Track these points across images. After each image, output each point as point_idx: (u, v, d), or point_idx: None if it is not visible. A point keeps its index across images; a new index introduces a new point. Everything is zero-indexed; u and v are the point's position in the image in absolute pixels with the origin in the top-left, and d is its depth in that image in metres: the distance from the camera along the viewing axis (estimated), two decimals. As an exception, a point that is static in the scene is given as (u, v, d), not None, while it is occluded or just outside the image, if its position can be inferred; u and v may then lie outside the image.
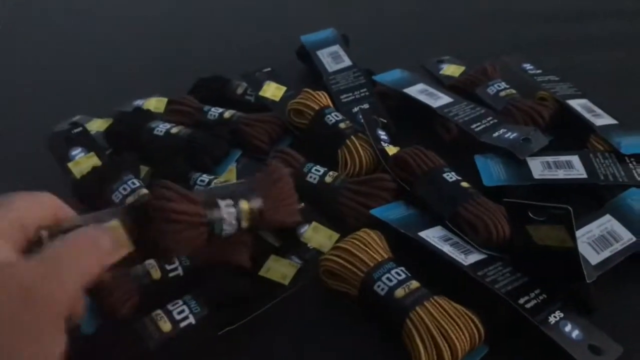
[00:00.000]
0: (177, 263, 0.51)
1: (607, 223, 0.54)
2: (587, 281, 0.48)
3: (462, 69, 0.79)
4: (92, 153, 0.64)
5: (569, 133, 0.67)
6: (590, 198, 0.60)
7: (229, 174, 0.64)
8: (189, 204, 0.43)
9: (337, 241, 0.55)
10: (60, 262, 0.33)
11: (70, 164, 0.63)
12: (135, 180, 0.59)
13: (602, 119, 0.67)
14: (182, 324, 0.47)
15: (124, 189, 0.58)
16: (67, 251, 0.34)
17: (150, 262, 0.51)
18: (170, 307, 0.48)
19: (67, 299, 0.33)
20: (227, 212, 0.46)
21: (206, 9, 1.04)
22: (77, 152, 0.65)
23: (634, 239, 0.53)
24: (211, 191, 0.49)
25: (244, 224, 0.46)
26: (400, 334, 0.47)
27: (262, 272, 0.52)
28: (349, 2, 1.04)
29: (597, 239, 0.53)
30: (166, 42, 0.94)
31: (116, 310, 0.49)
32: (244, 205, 0.46)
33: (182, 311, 0.48)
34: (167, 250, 0.42)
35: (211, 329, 0.49)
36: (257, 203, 0.46)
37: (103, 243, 0.36)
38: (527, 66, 0.77)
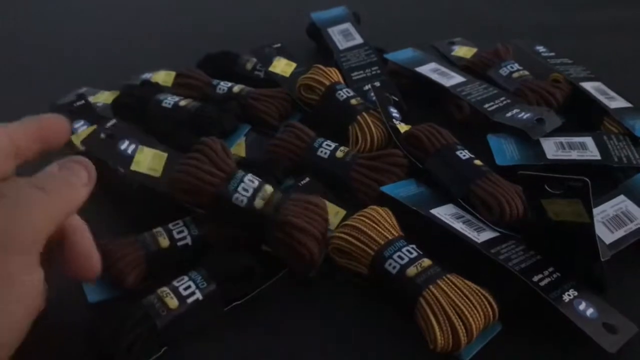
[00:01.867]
0: (186, 232, 0.50)
1: (621, 203, 0.54)
2: (602, 259, 0.48)
3: (473, 50, 0.78)
4: (94, 125, 0.64)
5: (582, 115, 0.67)
6: (603, 180, 0.59)
7: (238, 148, 0.63)
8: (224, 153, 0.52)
9: (343, 218, 0.54)
10: (30, 207, 0.36)
11: (73, 137, 0.63)
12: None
13: (616, 102, 0.66)
14: (189, 300, 0.46)
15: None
16: (37, 195, 0.36)
17: (159, 230, 0.50)
18: (175, 283, 0.47)
19: (40, 240, 0.36)
20: (250, 179, 0.50)
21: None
22: (79, 125, 0.64)
23: (649, 219, 0.52)
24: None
25: (258, 202, 0.49)
26: (412, 312, 0.47)
27: (264, 247, 0.52)
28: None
29: (612, 219, 0.52)
30: (175, 18, 0.93)
31: (122, 278, 0.48)
32: (268, 187, 0.50)
33: (189, 287, 0.46)
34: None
35: (218, 304, 0.48)
36: (280, 199, 0.50)
37: (76, 180, 0.39)
38: (540, 49, 0.76)
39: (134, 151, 0.55)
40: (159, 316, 0.45)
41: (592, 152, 0.60)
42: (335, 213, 0.55)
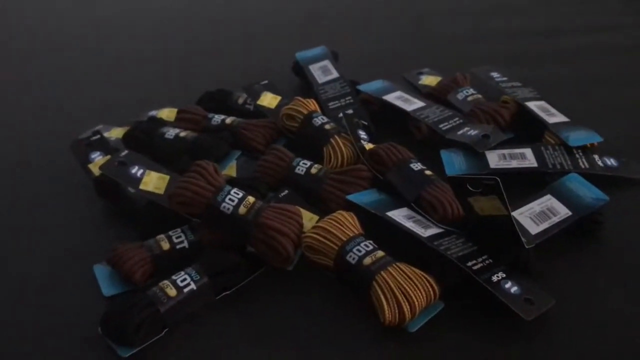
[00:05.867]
0: (183, 237, 0.61)
1: (547, 201, 0.63)
2: (526, 247, 0.57)
3: (438, 79, 0.89)
4: (108, 156, 0.74)
5: (527, 130, 0.77)
6: (541, 184, 0.68)
7: (230, 170, 0.74)
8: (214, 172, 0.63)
9: (317, 222, 0.64)
10: None
11: (90, 165, 0.74)
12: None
13: (556, 118, 0.76)
14: (186, 290, 0.56)
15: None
16: None
17: (161, 236, 0.61)
18: (174, 277, 0.57)
19: None
20: (235, 191, 0.61)
21: (213, 32, 1.15)
22: (96, 155, 0.75)
23: (570, 213, 0.62)
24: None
25: (241, 209, 0.60)
26: (368, 294, 0.56)
27: (249, 248, 0.62)
28: (343, 24, 1.15)
29: (538, 214, 0.62)
30: (178, 61, 1.05)
31: (131, 276, 0.59)
32: (250, 198, 0.61)
33: (185, 279, 0.57)
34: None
35: (209, 294, 0.58)
36: (261, 207, 0.60)
37: None
38: (495, 74, 0.86)
39: (142, 174, 0.67)
40: (161, 303, 0.55)
41: (530, 160, 0.70)
42: (309, 219, 0.66)
